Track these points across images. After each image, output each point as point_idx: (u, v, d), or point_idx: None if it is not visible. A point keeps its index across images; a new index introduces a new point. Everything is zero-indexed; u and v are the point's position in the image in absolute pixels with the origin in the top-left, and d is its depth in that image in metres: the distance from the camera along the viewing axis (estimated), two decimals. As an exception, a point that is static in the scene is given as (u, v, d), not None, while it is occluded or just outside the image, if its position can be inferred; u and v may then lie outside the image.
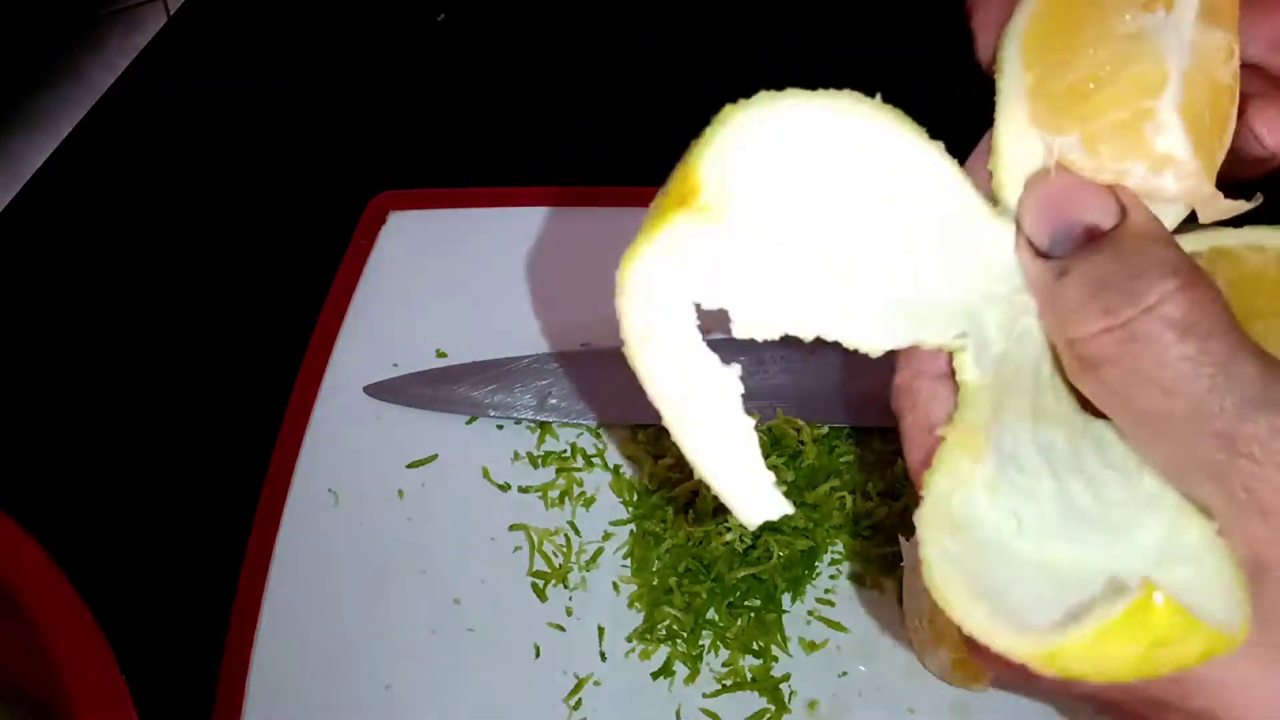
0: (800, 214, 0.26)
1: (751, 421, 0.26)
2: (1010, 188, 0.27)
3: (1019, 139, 0.27)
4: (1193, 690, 0.25)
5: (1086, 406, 0.27)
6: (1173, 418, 0.23)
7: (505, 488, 0.54)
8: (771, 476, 0.26)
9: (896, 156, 0.26)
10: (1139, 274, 0.24)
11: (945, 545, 0.25)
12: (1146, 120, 0.25)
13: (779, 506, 0.26)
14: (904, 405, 0.29)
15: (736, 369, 0.26)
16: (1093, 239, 0.25)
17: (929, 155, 0.26)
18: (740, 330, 0.26)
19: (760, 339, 0.27)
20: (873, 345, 0.27)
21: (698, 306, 0.26)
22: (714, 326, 0.27)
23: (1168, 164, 0.26)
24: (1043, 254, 0.26)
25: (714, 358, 0.26)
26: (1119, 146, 0.26)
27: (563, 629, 0.51)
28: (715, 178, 0.25)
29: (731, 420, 0.26)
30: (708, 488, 0.27)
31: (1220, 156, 0.27)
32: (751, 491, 0.26)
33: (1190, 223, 0.28)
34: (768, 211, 0.25)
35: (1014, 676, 0.27)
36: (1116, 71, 0.25)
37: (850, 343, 0.27)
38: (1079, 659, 0.23)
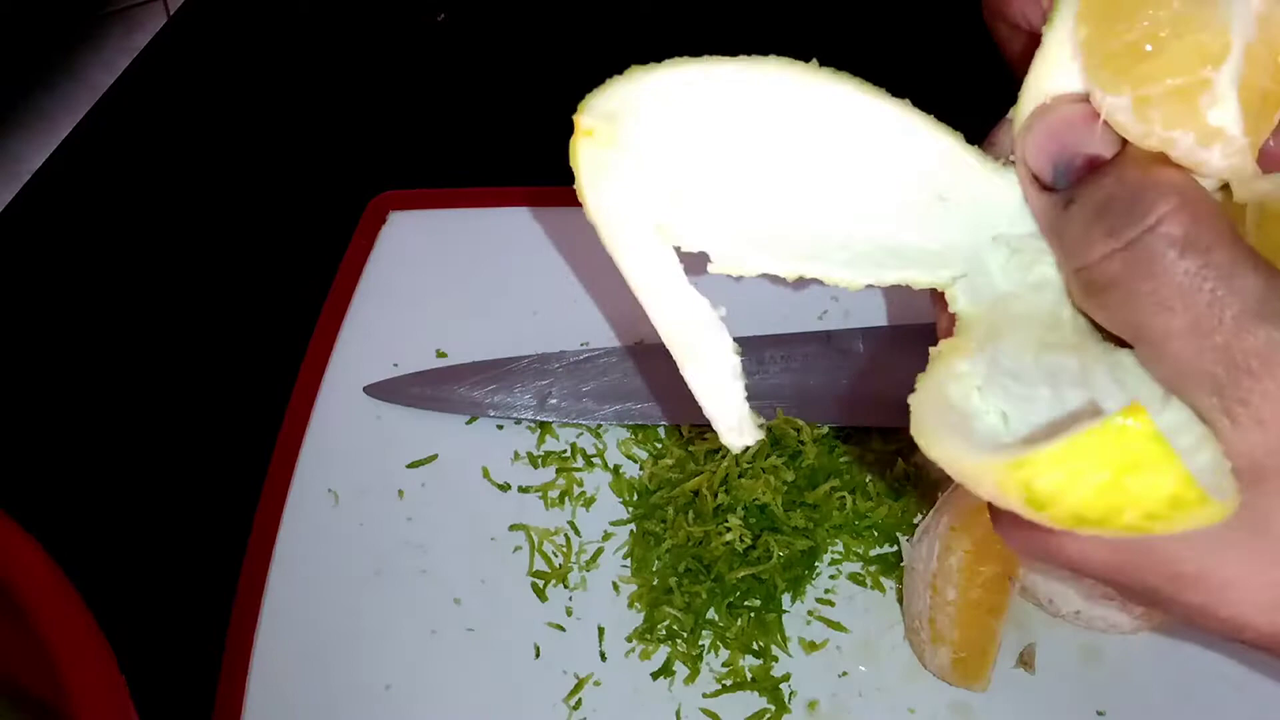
0: (724, 153, 0.28)
1: (737, 360, 0.29)
2: None
3: (1050, 89, 0.27)
4: (1187, 586, 0.26)
5: (1109, 339, 0.27)
6: (1175, 332, 0.24)
7: (505, 488, 0.54)
8: (747, 409, 0.30)
9: (833, 111, 0.28)
10: (1138, 195, 0.24)
11: (935, 411, 0.26)
12: (1203, 90, 0.25)
13: (753, 434, 0.30)
14: (938, 304, 0.31)
15: (723, 310, 0.29)
16: (1095, 169, 0.25)
17: (889, 111, 0.28)
18: (717, 266, 0.29)
19: (737, 276, 0.29)
20: (852, 282, 0.29)
21: (678, 250, 0.29)
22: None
23: (1217, 138, 0.25)
24: (1048, 188, 0.26)
25: (701, 300, 0.29)
26: (1171, 114, 0.25)
27: (563, 629, 0.51)
28: (599, 110, 0.28)
29: (718, 355, 0.29)
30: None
31: (1265, 137, 0.26)
32: (732, 420, 0.30)
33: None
34: (674, 143, 0.28)
35: (1025, 537, 0.28)
36: (1177, 36, 0.25)
37: (831, 280, 0.29)
38: (1045, 473, 0.22)
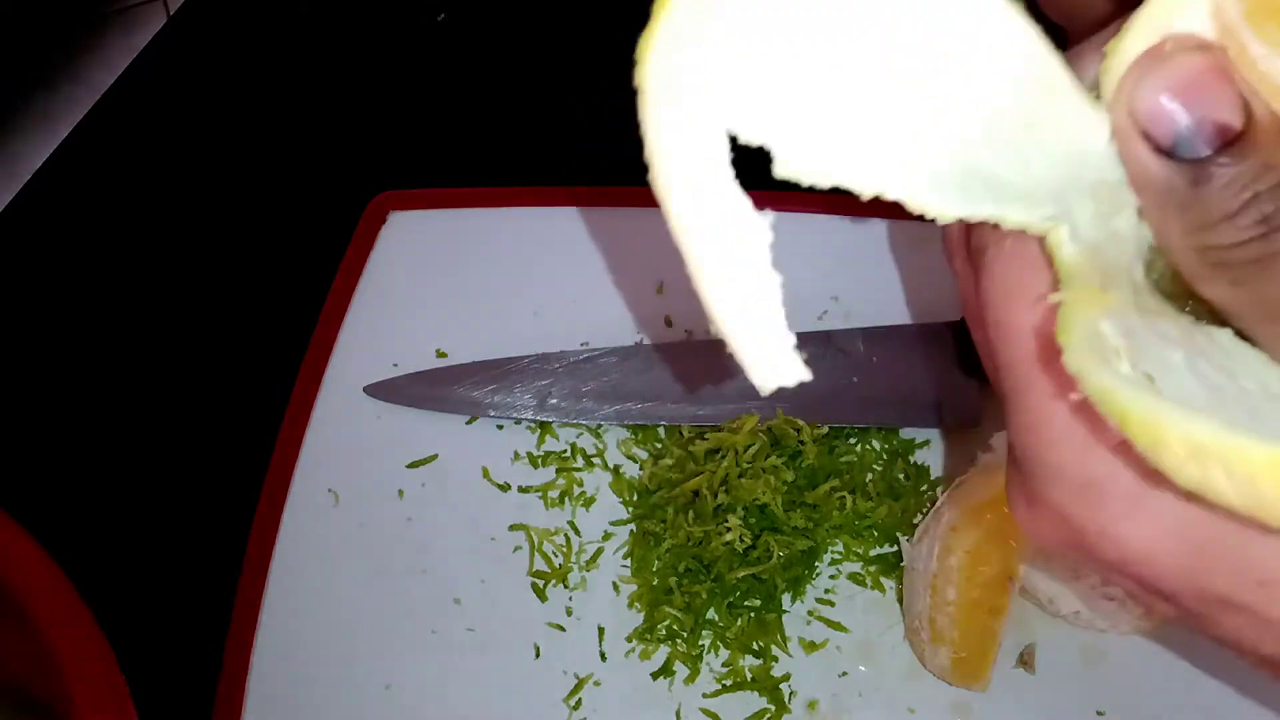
0: (842, 31, 0.23)
1: (778, 278, 0.24)
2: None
3: (1169, 27, 0.24)
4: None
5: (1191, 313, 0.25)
6: None
7: (505, 488, 0.54)
8: (792, 339, 0.24)
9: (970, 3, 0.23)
10: None
11: (1114, 378, 0.22)
12: None
13: (795, 371, 0.24)
14: (989, 239, 0.27)
15: (769, 216, 0.24)
16: (1229, 143, 0.23)
17: (1009, 12, 0.24)
18: (781, 169, 0.24)
19: (806, 184, 0.24)
20: (941, 211, 0.25)
21: (734, 141, 0.24)
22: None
23: None
24: (1162, 151, 0.24)
25: (744, 197, 0.24)
26: None
27: (563, 629, 0.51)
28: None
29: (755, 270, 0.24)
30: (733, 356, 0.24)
31: None
32: (768, 352, 0.24)
33: None
34: (795, 13, 0.23)
35: (1071, 527, 0.26)
36: None
37: (915, 205, 0.25)
38: None
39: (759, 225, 0.24)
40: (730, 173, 0.23)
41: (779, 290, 0.24)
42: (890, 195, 0.24)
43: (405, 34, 0.72)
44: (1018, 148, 0.25)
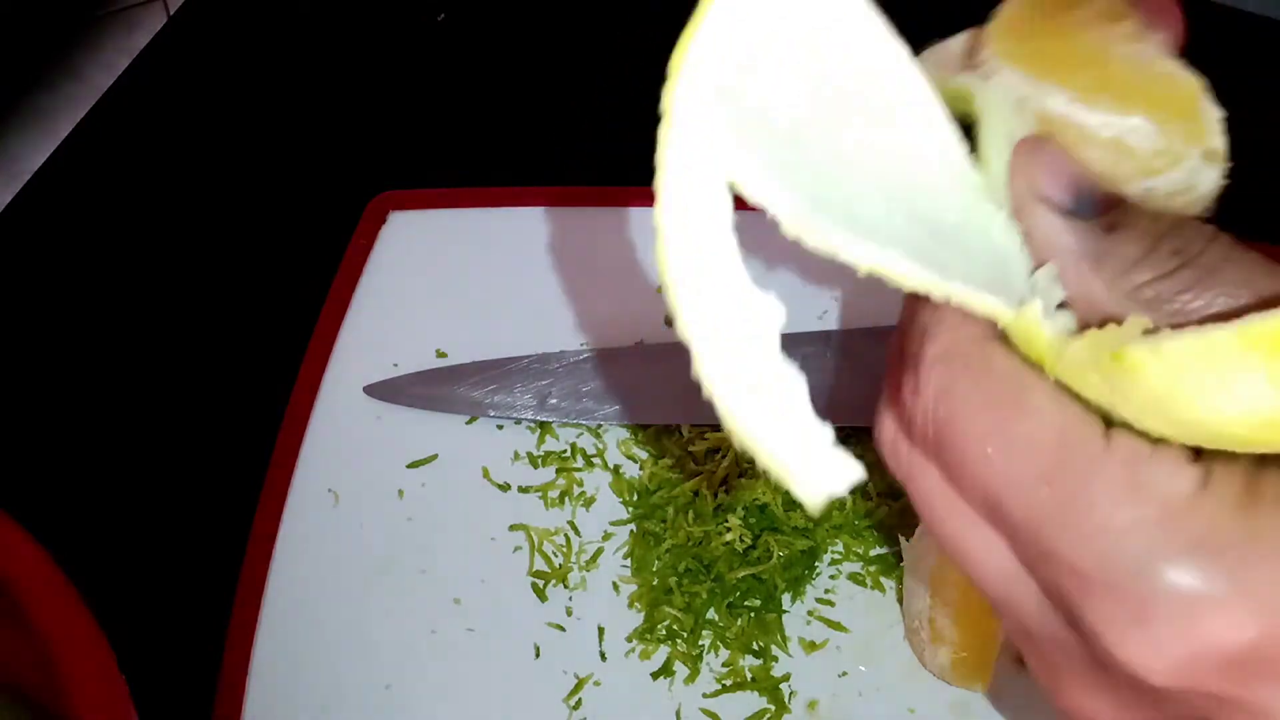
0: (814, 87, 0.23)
1: (797, 370, 0.21)
2: (1001, 155, 0.26)
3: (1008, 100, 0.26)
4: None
5: None
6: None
7: (505, 488, 0.54)
8: (829, 433, 0.20)
9: (892, 80, 0.24)
10: (1181, 219, 0.25)
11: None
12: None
13: (846, 472, 0.20)
14: (957, 376, 0.26)
15: (778, 307, 0.21)
16: (1109, 198, 0.26)
17: (930, 99, 0.25)
18: (790, 227, 0.21)
19: (809, 245, 0.22)
20: (930, 287, 0.23)
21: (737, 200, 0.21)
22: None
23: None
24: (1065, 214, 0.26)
25: (751, 285, 0.21)
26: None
27: (563, 629, 0.51)
28: None
29: (773, 368, 0.21)
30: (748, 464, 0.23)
31: None
32: (810, 457, 0.20)
33: None
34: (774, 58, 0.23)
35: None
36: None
37: (893, 278, 0.23)
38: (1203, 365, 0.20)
39: (772, 313, 0.21)
40: (737, 253, 0.21)
41: (803, 384, 0.21)
42: (881, 268, 0.22)
43: (405, 34, 0.72)
44: (955, 241, 0.25)
